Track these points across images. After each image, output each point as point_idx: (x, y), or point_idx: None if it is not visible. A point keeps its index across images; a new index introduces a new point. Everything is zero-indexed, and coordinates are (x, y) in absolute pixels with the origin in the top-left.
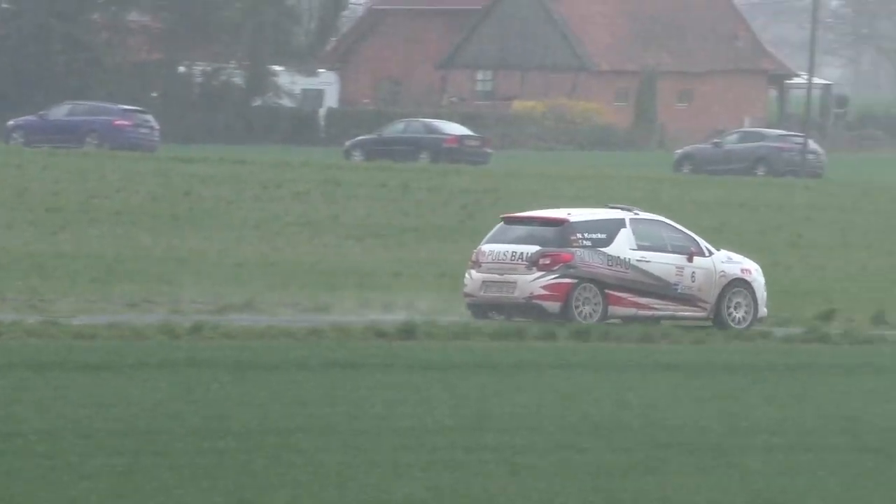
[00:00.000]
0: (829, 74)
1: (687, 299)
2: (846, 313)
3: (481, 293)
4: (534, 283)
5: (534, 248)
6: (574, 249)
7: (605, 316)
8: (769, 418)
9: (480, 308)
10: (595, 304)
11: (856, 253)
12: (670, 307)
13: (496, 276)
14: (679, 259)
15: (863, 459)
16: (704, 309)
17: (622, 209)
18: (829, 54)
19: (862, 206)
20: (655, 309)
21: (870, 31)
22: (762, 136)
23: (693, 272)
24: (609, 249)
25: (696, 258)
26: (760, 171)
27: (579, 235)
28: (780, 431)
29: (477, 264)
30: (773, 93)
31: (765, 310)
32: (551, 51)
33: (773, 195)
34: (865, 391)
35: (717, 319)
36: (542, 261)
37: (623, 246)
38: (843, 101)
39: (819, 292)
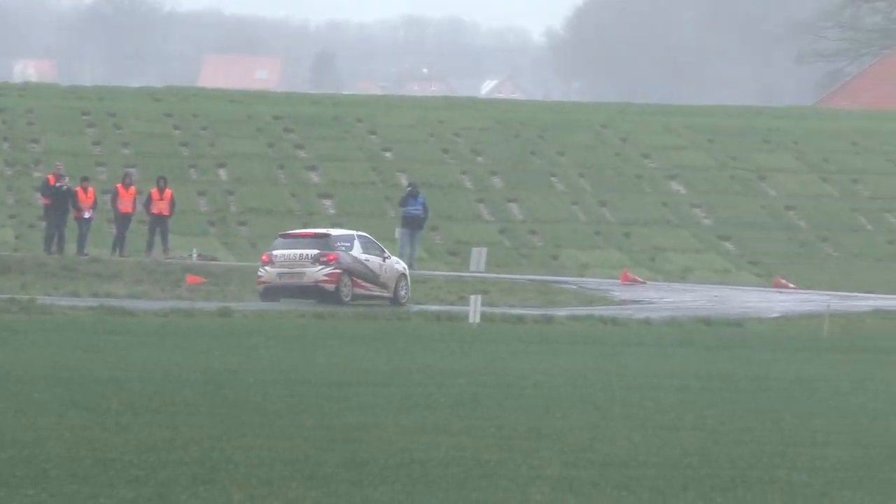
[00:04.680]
0: None
1: (384, 285)
2: None
3: (277, 280)
4: (318, 272)
5: (315, 251)
6: (338, 252)
7: (352, 295)
8: None
9: (273, 291)
10: (349, 287)
11: None
12: (378, 290)
13: (287, 269)
14: (380, 260)
15: None
16: (391, 291)
17: (351, 231)
18: None
19: None
20: (372, 290)
21: None
22: None
23: (386, 269)
24: (353, 252)
25: (386, 260)
26: None
27: (338, 244)
28: None
29: (271, 263)
30: None
31: (409, 294)
32: None
33: None
34: None
35: (394, 298)
36: (321, 258)
37: (358, 251)
38: None
39: None
